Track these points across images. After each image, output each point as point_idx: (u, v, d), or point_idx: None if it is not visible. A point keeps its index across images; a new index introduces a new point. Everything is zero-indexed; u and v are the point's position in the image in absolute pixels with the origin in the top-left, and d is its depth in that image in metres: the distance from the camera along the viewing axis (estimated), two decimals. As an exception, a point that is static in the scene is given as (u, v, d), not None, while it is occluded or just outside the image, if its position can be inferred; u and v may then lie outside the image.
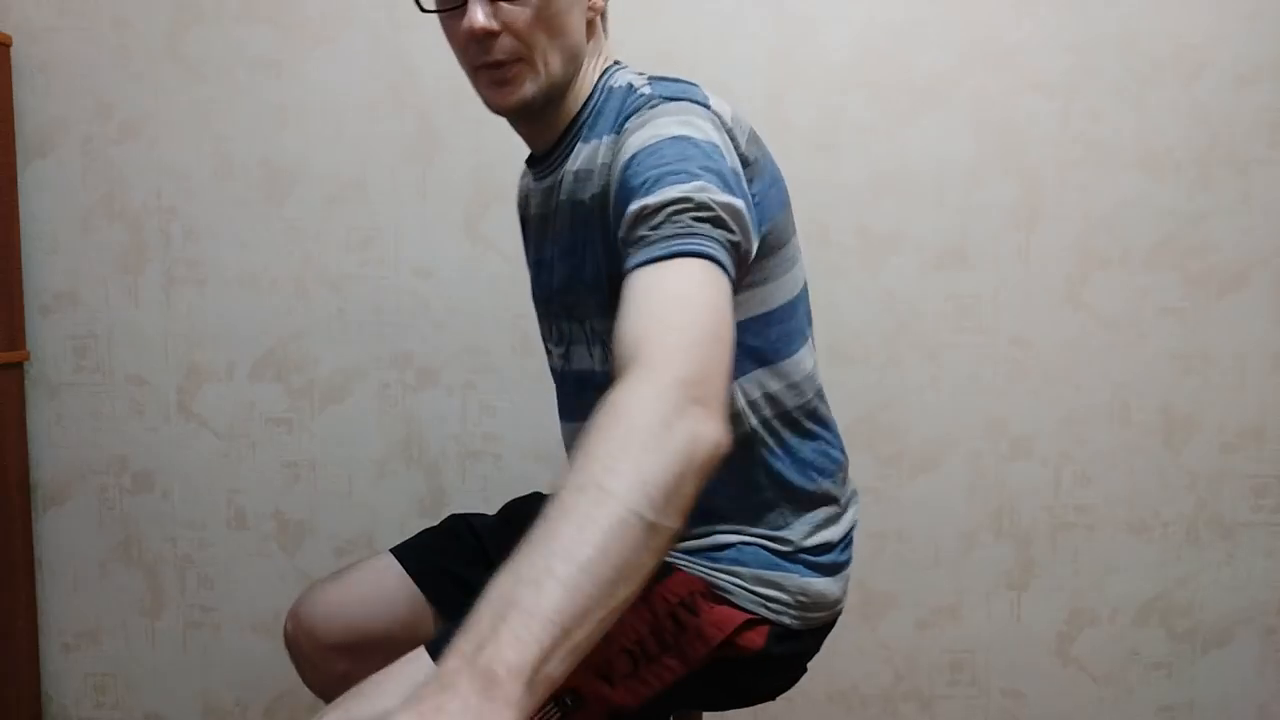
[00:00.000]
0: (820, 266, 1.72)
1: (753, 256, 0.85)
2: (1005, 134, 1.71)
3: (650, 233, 0.76)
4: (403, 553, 1.14)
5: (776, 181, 0.96)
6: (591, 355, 0.99)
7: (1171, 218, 1.71)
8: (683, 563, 0.97)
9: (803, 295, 1.01)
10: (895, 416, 1.75)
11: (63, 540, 1.84)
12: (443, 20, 0.94)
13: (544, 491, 1.26)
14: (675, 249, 0.74)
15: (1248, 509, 1.75)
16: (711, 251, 0.74)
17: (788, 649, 0.99)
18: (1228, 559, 1.76)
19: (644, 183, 0.80)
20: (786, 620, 0.97)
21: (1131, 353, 1.73)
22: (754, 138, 0.94)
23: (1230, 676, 1.77)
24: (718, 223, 0.76)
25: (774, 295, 0.96)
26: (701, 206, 0.76)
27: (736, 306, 0.89)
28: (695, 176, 0.78)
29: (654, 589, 0.93)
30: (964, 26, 1.70)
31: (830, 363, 1.73)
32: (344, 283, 1.77)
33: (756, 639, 0.95)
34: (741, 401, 0.95)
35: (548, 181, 1.01)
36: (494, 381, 1.77)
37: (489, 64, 0.91)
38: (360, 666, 1.10)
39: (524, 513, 1.20)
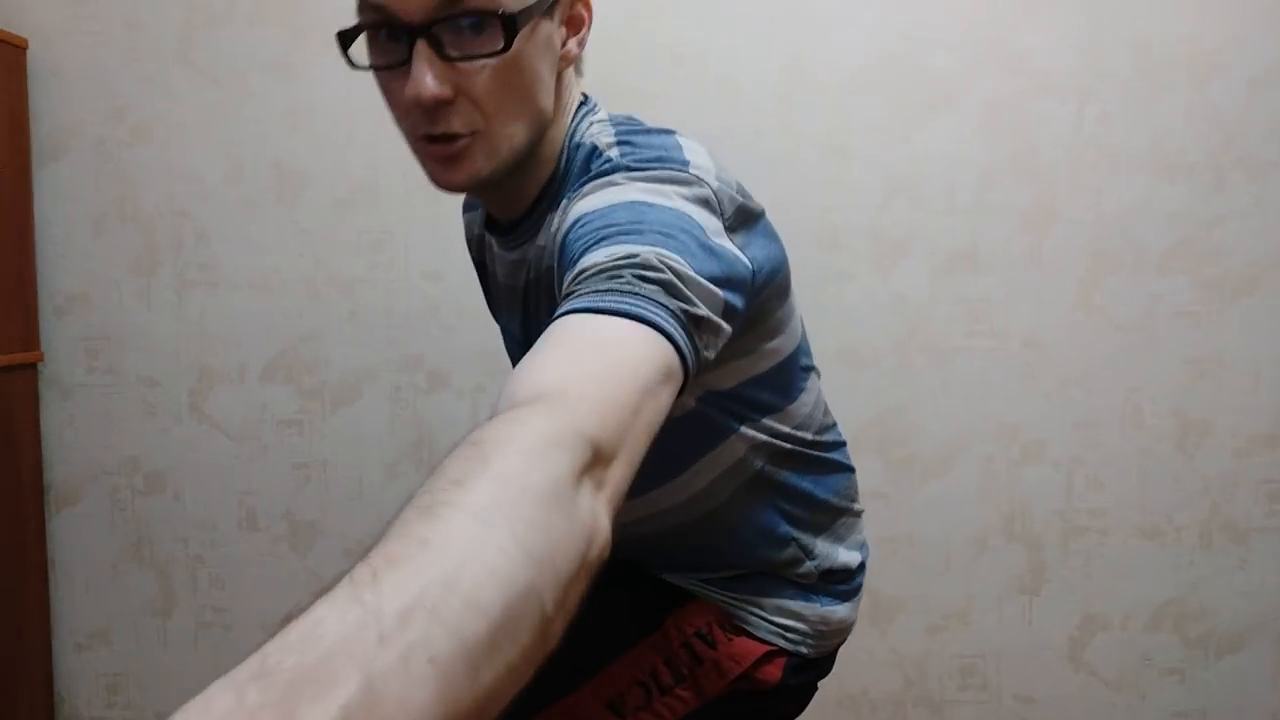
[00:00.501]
0: (830, 270, 1.72)
1: (733, 331, 0.69)
2: (1017, 137, 1.71)
3: (579, 287, 0.60)
4: None
5: (771, 239, 0.84)
6: None
7: (1184, 221, 1.70)
8: (699, 590, 0.94)
9: (802, 332, 0.95)
10: (906, 420, 1.75)
11: (75, 541, 1.85)
12: (379, 78, 0.77)
13: None
14: (607, 304, 0.57)
15: (1261, 514, 1.74)
16: (654, 317, 0.57)
17: (803, 678, 0.97)
18: (1241, 564, 1.75)
19: (584, 245, 0.65)
20: (804, 650, 0.95)
21: (1144, 357, 1.72)
22: (741, 195, 0.80)
23: (1244, 682, 1.76)
24: (670, 289, 0.60)
25: (778, 350, 0.89)
26: (650, 266, 0.60)
27: (732, 372, 0.85)
28: (650, 241, 0.63)
29: (668, 618, 0.91)
30: (975, 29, 1.70)
31: (840, 366, 1.72)
32: (355, 285, 1.77)
33: (774, 671, 0.93)
34: (743, 449, 0.90)
35: (515, 255, 0.89)
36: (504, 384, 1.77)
37: (435, 136, 0.75)
38: None
39: None
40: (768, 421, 0.90)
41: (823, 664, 0.99)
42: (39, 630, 1.80)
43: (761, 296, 0.81)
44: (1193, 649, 1.76)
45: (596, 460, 0.48)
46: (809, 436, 0.94)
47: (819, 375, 0.98)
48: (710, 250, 0.67)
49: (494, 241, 0.93)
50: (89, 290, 1.80)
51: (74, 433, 1.83)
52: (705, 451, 0.89)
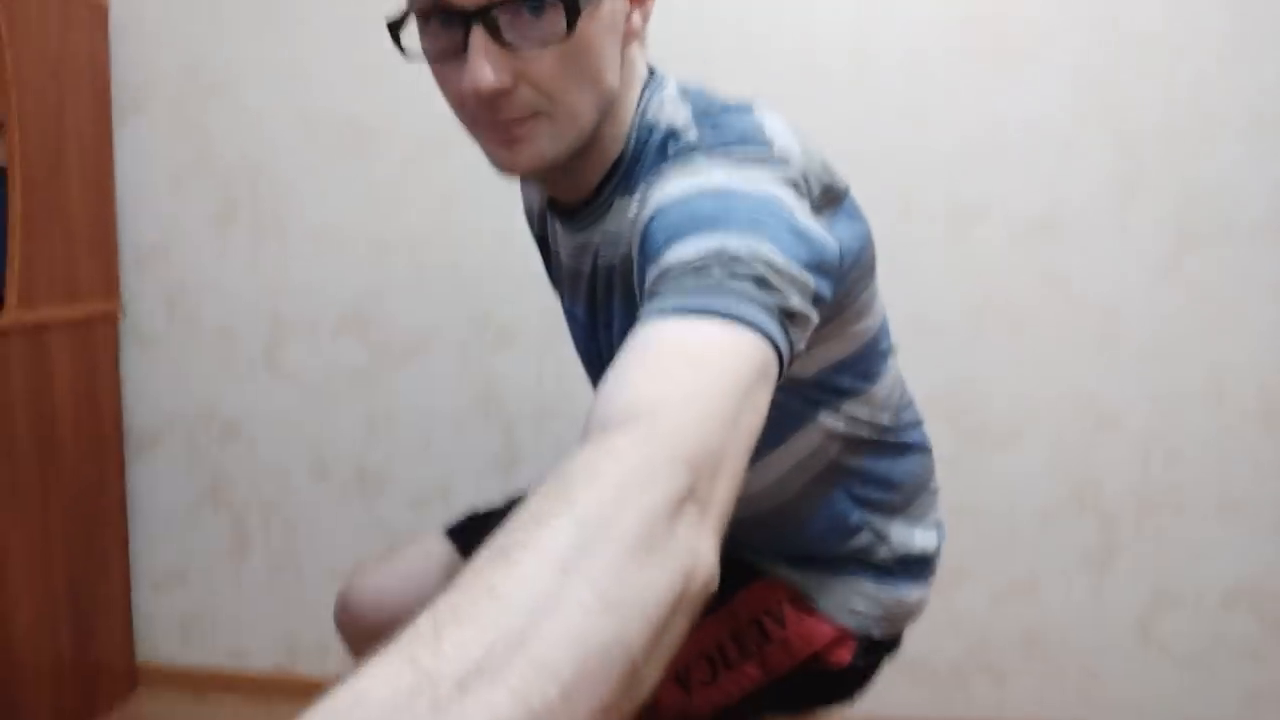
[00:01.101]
0: (905, 236, 1.68)
1: (821, 320, 0.67)
2: (1104, 95, 1.64)
3: (665, 286, 0.57)
4: (455, 532, 1.10)
5: (855, 218, 0.81)
6: None
7: (1281, 188, 1.63)
8: (771, 569, 0.93)
9: (883, 313, 0.90)
10: (978, 389, 1.71)
11: (153, 485, 1.91)
12: (433, 68, 0.73)
13: None
14: (696, 304, 0.55)
15: (1347, 495, 1.68)
16: (748, 314, 0.55)
17: (872, 659, 0.96)
18: (1323, 546, 1.69)
19: (668, 237, 0.62)
20: (875, 633, 0.94)
21: (1229, 331, 1.66)
22: (827, 174, 0.76)
23: (1320, 666, 1.71)
24: (762, 283, 0.57)
25: (862, 333, 0.85)
26: (739, 260, 0.57)
27: (815, 359, 0.82)
28: (738, 230, 0.60)
29: (737, 594, 0.90)
30: (1065, -16, 1.63)
31: (913, 333, 1.69)
32: (424, 241, 1.78)
33: (844, 654, 0.92)
34: (820, 438, 0.87)
35: (581, 238, 0.85)
36: (570, 343, 1.77)
37: (498, 121, 0.71)
38: None
39: None
40: (847, 407, 0.87)
41: (892, 644, 0.98)
42: (119, 570, 1.87)
43: (848, 280, 0.78)
44: (1269, 629, 1.71)
45: (696, 484, 0.45)
46: (886, 421, 0.91)
47: (897, 354, 0.95)
48: (800, 235, 0.64)
49: (557, 223, 0.89)
50: (168, 242, 1.85)
51: (153, 381, 1.88)
52: (781, 442, 0.87)
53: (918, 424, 0.98)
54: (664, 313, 0.55)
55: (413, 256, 1.79)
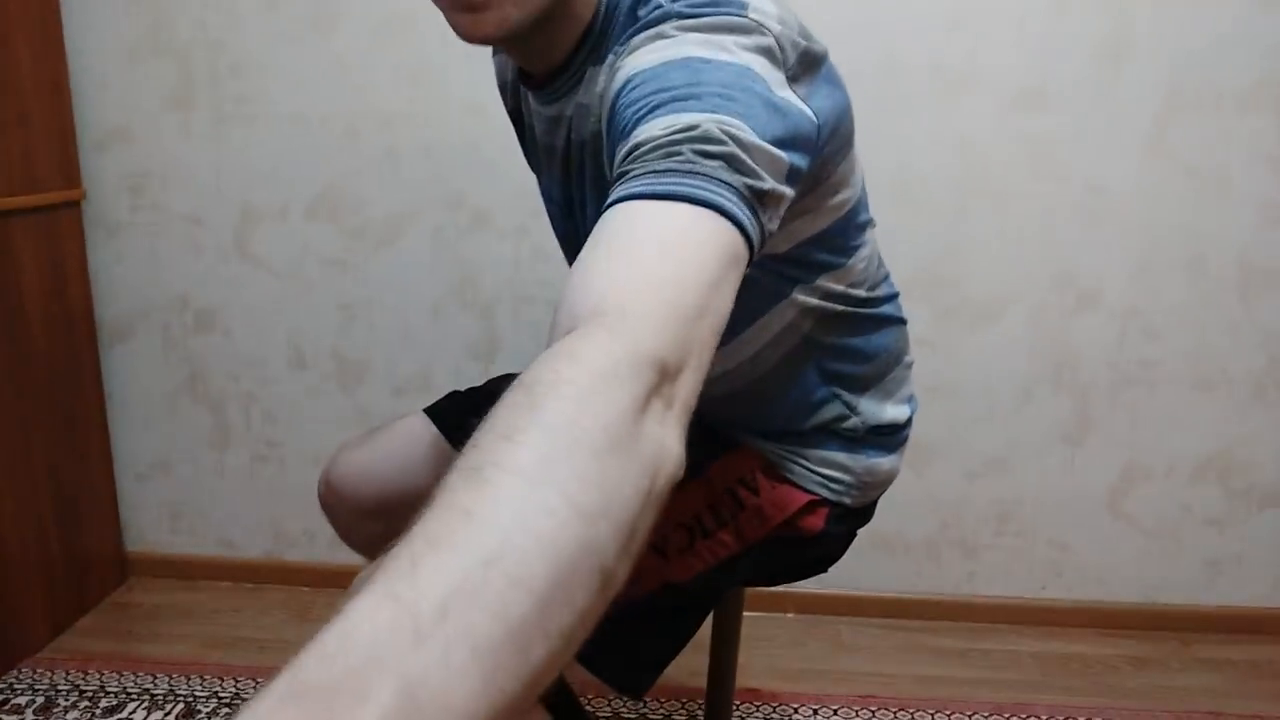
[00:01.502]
0: (887, 107, 1.64)
1: (797, 195, 0.66)
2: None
3: (634, 166, 0.56)
4: (436, 413, 1.10)
5: (834, 85, 0.77)
6: None
7: (1275, 54, 1.58)
8: (744, 439, 0.94)
9: (863, 184, 0.89)
10: (958, 266, 1.70)
11: (130, 376, 1.90)
12: None
13: None
14: (666, 188, 0.53)
15: (1320, 368, 1.70)
16: (718, 199, 0.53)
17: (844, 527, 0.98)
18: (1293, 418, 1.72)
19: (637, 113, 0.60)
20: (847, 500, 0.95)
21: (1213, 201, 1.64)
22: (804, 38, 0.73)
23: (1282, 534, 1.77)
24: (734, 162, 0.56)
25: (839, 206, 0.83)
26: (710, 139, 0.56)
27: (790, 234, 0.80)
28: (709, 106, 0.58)
29: (712, 465, 0.91)
30: None
31: (892, 208, 1.67)
32: (394, 120, 1.73)
33: (816, 521, 0.94)
34: (793, 314, 0.87)
35: (553, 110, 0.84)
36: (547, 225, 1.74)
37: None
38: (394, 526, 1.10)
39: None
40: (822, 282, 0.86)
41: (864, 513, 1.00)
42: (102, 462, 1.87)
43: (825, 152, 0.75)
44: (1235, 500, 1.76)
45: (663, 379, 0.46)
46: (862, 294, 0.90)
47: (875, 227, 0.93)
48: (774, 108, 0.62)
49: (530, 96, 0.87)
50: (128, 125, 1.78)
51: (122, 270, 1.84)
52: (755, 318, 0.86)
53: (893, 297, 0.97)
54: (633, 196, 0.54)
55: (382, 137, 1.73)
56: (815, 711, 1.55)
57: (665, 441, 0.44)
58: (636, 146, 0.57)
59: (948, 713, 1.55)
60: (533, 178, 1.74)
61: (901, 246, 1.69)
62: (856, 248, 0.88)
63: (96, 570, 1.87)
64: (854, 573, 1.84)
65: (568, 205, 0.89)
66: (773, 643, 1.76)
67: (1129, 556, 1.80)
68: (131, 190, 1.81)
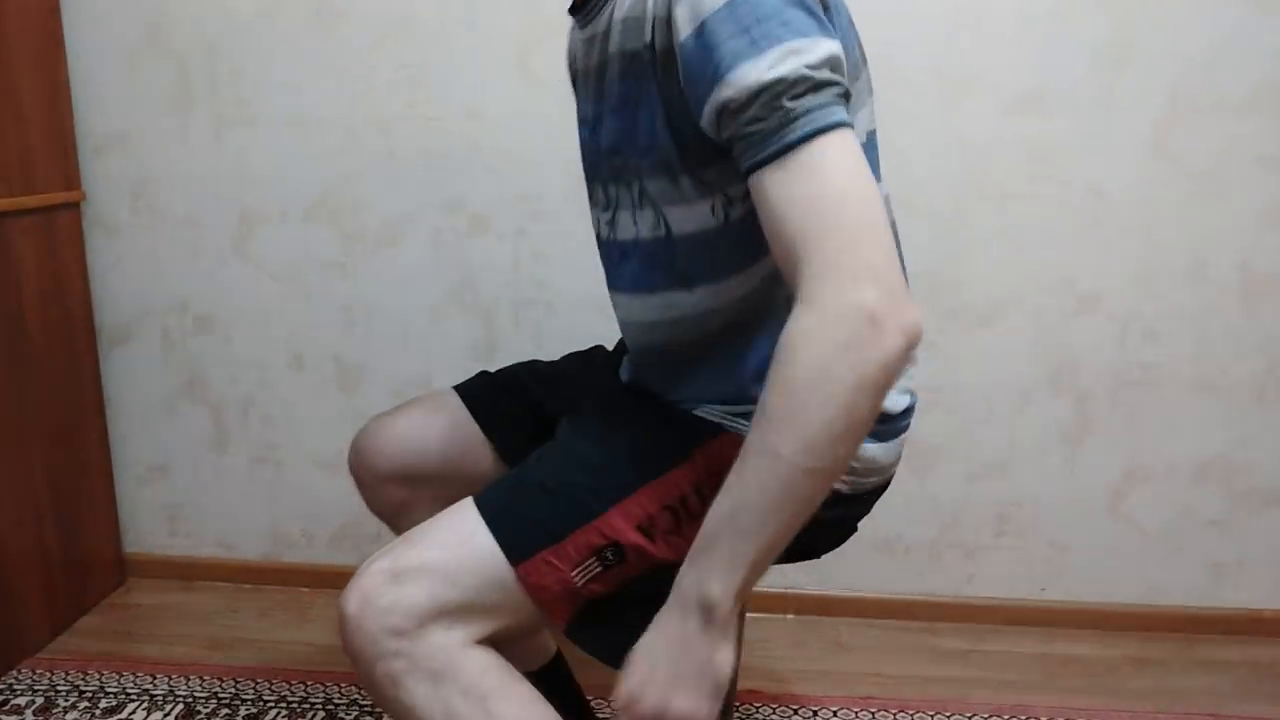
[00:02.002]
0: (887, 109, 1.63)
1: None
2: (1098, -37, 1.57)
3: (752, 129, 0.71)
4: (464, 389, 1.15)
5: (840, 9, 0.87)
6: (637, 222, 0.92)
7: (1276, 57, 1.58)
8: (731, 424, 0.95)
9: (871, 142, 0.92)
10: (958, 269, 1.70)
11: (130, 379, 1.90)
12: None
13: (604, 346, 1.25)
14: (787, 141, 0.69)
15: (1321, 370, 1.69)
16: (824, 122, 0.69)
17: (835, 513, 0.97)
18: (1293, 420, 1.72)
19: (723, 60, 0.72)
20: (836, 485, 0.94)
21: (1214, 206, 1.64)
22: None
23: (1282, 536, 1.77)
24: (818, 87, 0.70)
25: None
26: (798, 83, 0.70)
27: None
28: (779, 39, 0.70)
29: (699, 448, 0.91)
30: None
31: (894, 209, 1.66)
32: (393, 124, 1.72)
33: None
34: (756, 282, 0.90)
35: (590, 30, 0.91)
36: (546, 228, 1.74)
37: None
38: (417, 494, 1.12)
39: (582, 366, 1.19)
40: None
41: (857, 502, 0.99)
42: (101, 463, 1.87)
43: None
44: (1236, 502, 1.76)
45: (859, 294, 0.66)
46: None
47: (890, 205, 0.94)
48: (815, 17, 0.74)
49: (576, 30, 0.95)
50: (128, 127, 1.78)
51: (121, 273, 1.84)
52: (762, 257, 0.87)
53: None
54: (767, 160, 0.71)
55: (381, 141, 1.73)
56: (815, 713, 1.55)
57: (868, 350, 0.67)
58: (731, 103, 0.72)
59: (948, 714, 1.55)
60: (532, 179, 1.75)
61: (902, 249, 1.69)
62: None
63: (96, 571, 1.87)
64: (854, 574, 1.84)
65: (596, 120, 0.93)
66: (773, 644, 1.76)
67: (1130, 558, 1.80)
68: (131, 193, 1.81)
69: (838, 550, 1.92)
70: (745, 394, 0.93)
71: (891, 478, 1.02)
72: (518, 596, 0.83)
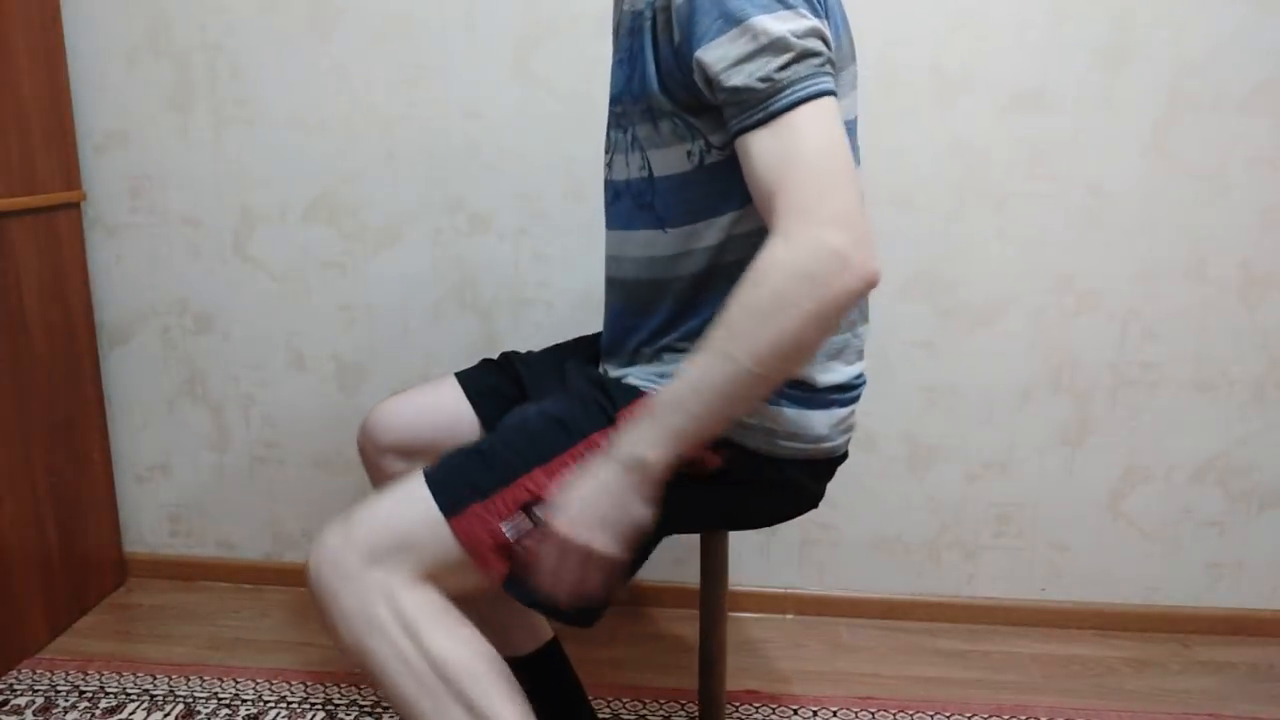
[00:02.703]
0: (886, 107, 1.64)
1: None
2: (1098, -38, 1.57)
3: (741, 96, 0.79)
4: (464, 376, 1.22)
5: (834, 9, 0.93)
6: (629, 164, 0.99)
7: (1276, 56, 1.58)
8: (649, 386, 1.00)
9: (850, 130, 0.96)
10: (957, 268, 1.70)
11: (130, 378, 1.90)
12: None
13: (588, 335, 1.28)
14: (773, 109, 0.78)
15: (1321, 370, 1.69)
16: (809, 90, 0.78)
17: (762, 475, 0.98)
18: (1293, 420, 1.72)
19: (714, 26, 0.80)
20: (749, 443, 0.96)
21: (1214, 205, 1.64)
22: None
23: (1282, 536, 1.77)
24: (804, 56, 0.78)
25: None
26: (784, 51, 0.78)
27: None
28: (767, 8, 0.78)
29: (620, 412, 0.96)
30: None
31: (892, 210, 1.67)
32: (393, 124, 1.73)
33: (714, 458, 0.96)
34: (720, 236, 0.95)
35: None
36: (545, 228, 1.74)
37: None
38: (413, 467, 1.17)
39: (566, 349, 1.25)
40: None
41: (787, 468, 0.99)
42: (101, 463, 1.87)
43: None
44: (1235, 503, 1.76)
45: (847, 237, 0.74)
46: None
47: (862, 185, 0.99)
48: None
49: None
50: (128, 127, 1.78)
51: (122, 272, 1.84)
52: (736, 208, 0.93)
53: None
54: (752, 126, 0.80)
55: (381, 140, 1.73)
56: (815, 713, 1.55)
57: (827, 285, 0.75)
58: (719, 65, 0.80)
59: (947, 714, 1.55)
60: (532, 179, 1.75)
61: (901, 248, 1.69)
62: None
63: (96, 571, 1.87)
64: (854, 574, 1.84)
65: (612, 72, 1.02)
66: (772, 644, 1.76)
67: (1129, 558, 1.80)
68: (131, 192, 1.81)
69: (838, 551, 1.92)
70: (679, 349, 0.99)
71: (835, 457, 1.02)
72: (453, 547, 0.90)
